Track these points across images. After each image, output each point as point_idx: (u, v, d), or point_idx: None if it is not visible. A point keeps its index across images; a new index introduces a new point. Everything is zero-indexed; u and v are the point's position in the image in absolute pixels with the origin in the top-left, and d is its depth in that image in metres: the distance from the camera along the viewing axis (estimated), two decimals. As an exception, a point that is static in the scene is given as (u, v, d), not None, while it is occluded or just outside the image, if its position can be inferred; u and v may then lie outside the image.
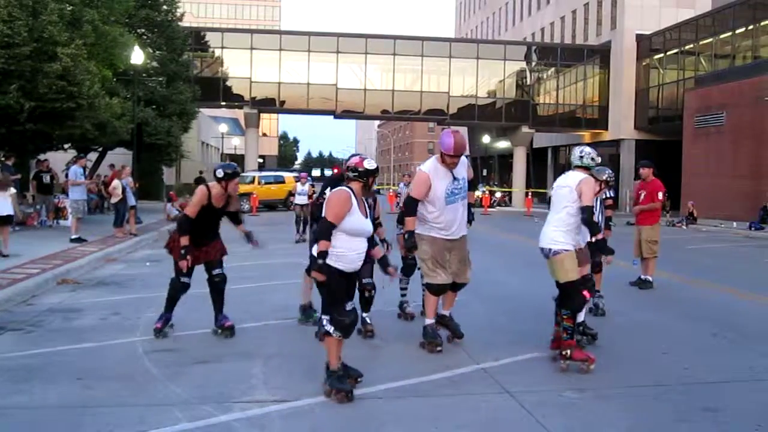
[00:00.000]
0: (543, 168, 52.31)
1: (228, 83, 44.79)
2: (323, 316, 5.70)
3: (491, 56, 46.21)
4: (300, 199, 19.65)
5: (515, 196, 46.90)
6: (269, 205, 34.10)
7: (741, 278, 12.16)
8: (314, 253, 5.64)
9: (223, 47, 44.24)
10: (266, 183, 35.27)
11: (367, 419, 5.20)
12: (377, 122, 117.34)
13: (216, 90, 43.37)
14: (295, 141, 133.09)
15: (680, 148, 33.55)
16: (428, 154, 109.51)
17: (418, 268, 7.64)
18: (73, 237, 15.71)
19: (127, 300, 9.84)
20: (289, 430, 4.99)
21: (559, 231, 6.71)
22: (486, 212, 35.00)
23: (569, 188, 6.73)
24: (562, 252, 6.64)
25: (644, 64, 43.21)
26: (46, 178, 19.78)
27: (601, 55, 46.00)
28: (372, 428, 5.05)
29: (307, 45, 44.16)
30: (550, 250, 6.69)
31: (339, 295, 5.67)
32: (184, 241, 7.23)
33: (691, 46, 39.04)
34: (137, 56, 22.78)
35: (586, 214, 6.56)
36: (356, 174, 5.86)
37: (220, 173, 7.40)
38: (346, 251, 5.69)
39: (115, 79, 24.99)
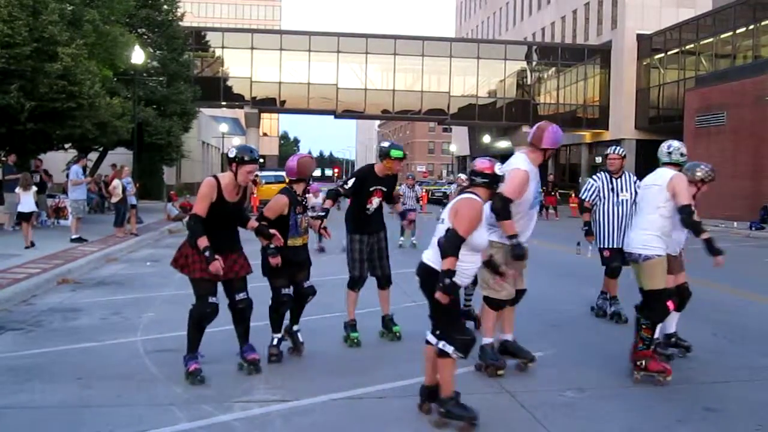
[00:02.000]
0: (544, 168, 52.07)
1: (228, 83, 44.82)
2: (440, 341, 5.01)
3: (492, 56, 46.22)
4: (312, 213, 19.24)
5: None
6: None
7: (741, 278, 12.14)
8: (439, 268, 4.92)
9: (223, 47, 44.28)
10: (267, 183, 35.25)
11: (368, 419, 5.21)
12: (378, 122, 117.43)
13: (216, 90, 43.39)
14: (296, 141, 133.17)
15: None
16: (428, 153, 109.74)
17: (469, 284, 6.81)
18: (74, 237, 15.72)
19: (128, 300, 9.84)
20: (290, 429, 4.99)
21: (652, 234, 6.18)
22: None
23: (659, 187, 6.23)
24: (655, 257, 6.14)
25: (645, 63, 43.22)
26: (35, 178, 19.81)
27: (602, 54, 46.01)
28: (373, 428, 5.05)
29: (307, 45, 44.20)
30: (640, 255, 6.19)
31: (458, 313, 5.22)
32: (203, 242, 5.72)
33: (692, 45, 39.04)
34: (138, 56, 22.81)
35: (685, 214, 6.04)
36: (485, 180, 5.16)
37: (231, 152, 6.02)
38: (469, 266, 5.15)
39: (115, 79, 25.05)
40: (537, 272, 9.28)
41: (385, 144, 7.36)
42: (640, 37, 43.13)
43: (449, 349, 4.94)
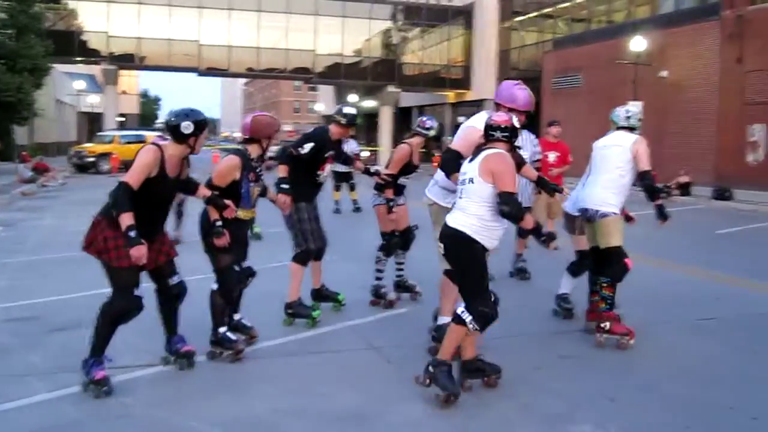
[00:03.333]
0: (409, 127, 52.94)
1: (84, 37, 42.61)
2: (462, 309, 4.77)
3: (357, 14, 46.01)
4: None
5: (382, 155, 47.32)
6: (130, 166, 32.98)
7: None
8: (469, 231, 4.73)
9: (77, -1, 42.07)
10: (127, 142, 34.03)
11: (235, 380, 5.19)
12: (243, 80, 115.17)
13: (71, 44, 41.20)
14: (156, 99, 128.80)
15: (540, 108, 34.69)
16: (294, 113, 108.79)
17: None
18: None
19: (-22, 266, 9.31)
20: (156, 394, 4.91)
21: (610, 192, 6.21)
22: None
23: (622, 148, 6.25)
24: (611, 215, 6.16)
25: (506, 26, 44.20)
26: None
27: (465, 16, 46.71)
28: (240, 388, 5.04)
29: (167, -2, 42.62)
30: (597, 212, 6.19)
31: (487, 279, 4.88)
32: (128, 219, 4.65)
33: (550, 9, 40.21)
34: (-18, 7, 21.35)
35: (647, 179, 6.09)
36: (506, 134, 4.89)
37: (187, 126, 4.99)
38: (498, 225, 4.86)
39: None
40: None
41: (352, 110, 7.00)
42: (502, 0, 44.07)
43: (467, 317, 4.73)
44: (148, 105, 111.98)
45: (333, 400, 4.81)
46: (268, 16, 44.44)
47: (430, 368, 4.81)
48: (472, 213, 4.78)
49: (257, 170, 5.82)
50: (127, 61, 44.06)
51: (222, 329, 5.66)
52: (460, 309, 4.78)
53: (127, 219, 4.64)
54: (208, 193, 5.49)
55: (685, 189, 24.25)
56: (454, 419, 4.53)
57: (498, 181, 4.67)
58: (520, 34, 43.08)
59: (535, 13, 41.77)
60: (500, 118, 4.96)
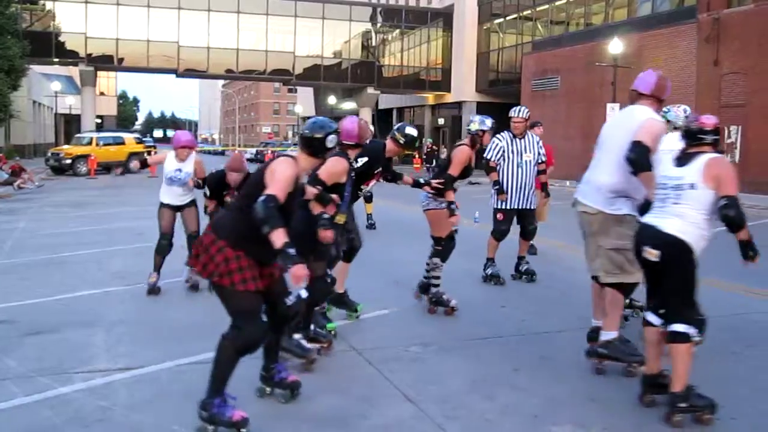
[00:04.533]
0: (389, 129, 52.88)
1: (61, 38, 42.27)
2: (680, 325, 4.47)
3: (337, 16, 46.02)
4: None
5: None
6: (108, 167, 32.71)
7: (573, 233, 12.79)
8: (687, 239, 4.51)
9: (54, -1, 41.72)
10: (105, 144, 33.79)
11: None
12: (221, 82, 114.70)
13: (48, 45, 40.86)
14: (135, 100, 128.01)
15: (518, 110, 34.72)
16: (273, 115, 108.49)
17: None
18: None
19: (-47, 270, 9.20)
20: (134, 398, 4.86)
21: None
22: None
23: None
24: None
25: (485, 28, 44.37)
26: None
27: (444, 18, 46.85)
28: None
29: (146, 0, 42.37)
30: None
31: (695, 291, 4.64)
32: (282, 235, 4.01)
33: (529, 11, 40.40)
34: (-43, 7, 21.11)
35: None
36: (716, 138, 4.73)
37: (332, 140, 4.51)
38: (708, 234, 4.65)
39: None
40: (380, 232, 9.42)
41: (413, 132, 6.85)
42: (481, 2, 44.20)
43: (692, 331, 4.45)
44: (127, 107, 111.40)
45: (314, 403, 4.78)
46: (247, 17, 44.35)
47: (681, 406, 4.49)
48: (692, 221, 4.56)
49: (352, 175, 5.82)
50: (105, 62, 43.81)
51: (297, 336, 5.45)
52: (679, 327, 4.48)
53: (282, 235, 4.00)
54: (314, 191, 5.27)
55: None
56: (435, 420, 4.52)
57: (722, 185, 4.47)
58: (499, 37, 43.27)
59: (514, 16, 41.95)
60: (710, 120, 4.75)
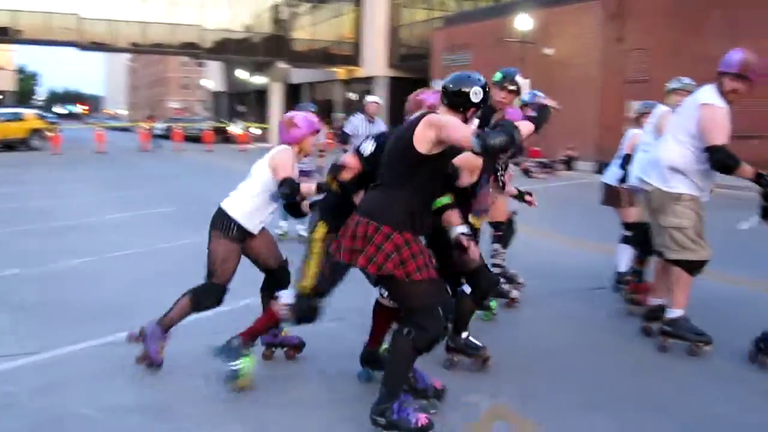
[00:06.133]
0: (298, 104, 52.45)
1: (-48, 9, 40.28)
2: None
3: (246, -11, 45.23)
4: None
5: (272, 132, 46.77)
6: (8, 145, 31.40)
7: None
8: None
9: (-57, -33, 39.59)
10: (5, 120, 32.42)
11: (131, 364, 5.00)
12: (127, 56, 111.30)
13: (-63, 17, 38.85)
14: (34, 75, 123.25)
15: (429, 86, 34.83)
16: (182, 89, 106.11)
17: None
18: None
19: None
20: (43, 382, 4.69)
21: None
22: (243, 149, 34.61)
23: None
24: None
25: (396, 2, 44.31)
26: None
27: (355, -9, 46.58)
28: (136, 372, 4.88)
29: (44, -31, 40.62)
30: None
31: None
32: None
33: (439, -14, 40.57)
34: None
35: None
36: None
37: (477, 93, 4.07)
38: None
39: None
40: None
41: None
42: (391, -24, 44.11)
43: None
44: (26, 81, 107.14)
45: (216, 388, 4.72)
46: (152, -11, 43.05)
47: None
48: None
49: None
50: (2, 34, 41.86)
51: (464, 334, 4.99)
52: None
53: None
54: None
55: (569, 164, 25.07)
56: (364, 396, 4.52)
57: None
58: (410, 11, 43.30)
59: (424, -10, 41.99)
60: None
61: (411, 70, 41.66)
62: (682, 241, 5.26)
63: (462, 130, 3.75)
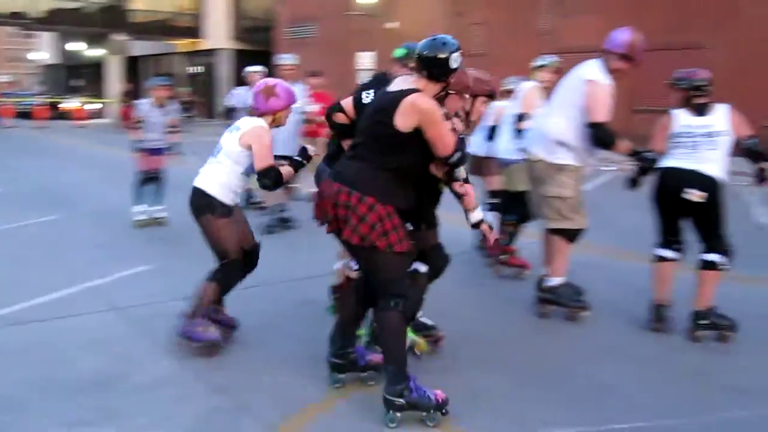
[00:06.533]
0: (138, 78, 50.65)
1: None
2: (714, 255, 5.11)
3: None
4: None
5: (109, 107, 44.86)
6: None
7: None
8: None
9: None
10: None
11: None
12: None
13: None
14: None
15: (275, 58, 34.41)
16: (9, 62, 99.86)
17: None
18: None
19: None
20: None
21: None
22: (80, 125, 33.06)
23: None
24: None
25: (238, -27, 43.40)
26: None
27: (194, -39, 45.24)
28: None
29: None
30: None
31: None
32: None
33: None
34: None
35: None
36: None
37: (456, 59, 3.94)
38: None
39: None
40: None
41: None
42: (233, -54, 43.10)
43: (723, 260, 5.10)
44: None
45: (73, 367, 4.56)
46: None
47: (703, 323, 5.15)
48: (724, 163, 5.10)
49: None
50: None
51: (420, 313, 4.82)
52: (713, 257, 5.10)
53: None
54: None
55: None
56: (199, 374, 4.48)
57: (741, 127, 5.11)
58: (253, -18, 42.53)
59: (267, -39, 41.34)
60: (706, 73, 5.20)
61: (256, 42, 41.02)
62: (564, 210, 5.42)
63: (448, 138, 3.83)
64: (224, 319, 5.06)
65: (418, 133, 3.77)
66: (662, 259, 5.36)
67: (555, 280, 5.60)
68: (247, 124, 4.72)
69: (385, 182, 3.83)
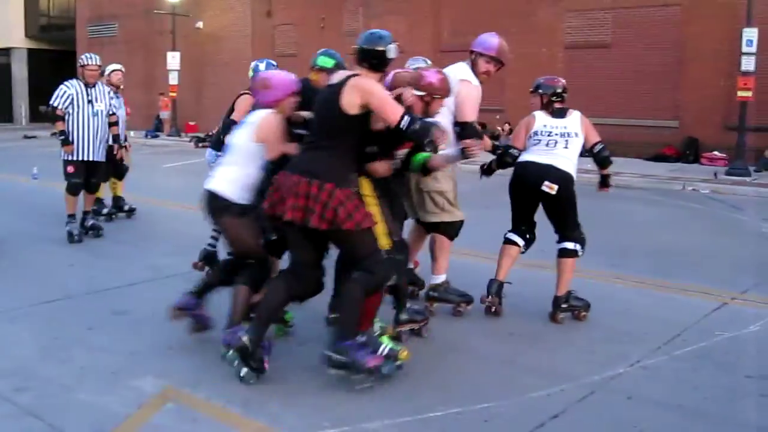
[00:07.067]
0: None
1: None
2: (570, 243, 5.65)
3: None
4: None
5: None
6: None
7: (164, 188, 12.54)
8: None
9: None
10: None
11: None
12: None
13: None
14: None
15: (76, 58, 32.83)
16: None
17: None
18: None
19: None
20: None
21: None
22: None
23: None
24: None
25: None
26: None
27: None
28: None
29: None
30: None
31: None
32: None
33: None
34: None
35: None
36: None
37: (395, 50, 4.34)
38: None
39: None
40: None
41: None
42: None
43: (578, 247, 5.64)
44: None
45: None
46: None
47: (563, 306, 5.63)
48: (575, 161, 5.67)
49: None
50: None
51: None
52: (569, 245, 5.64)
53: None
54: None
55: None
56: (3, 395, 4.22)
57: (591, 133, 5.68)
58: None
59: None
60: (562, 82, 5.81)
61: (54, 41, 38.87)
62: (442, 203, 5.58)
63: (394, 105, 4.15)
64: (201, 316, 4.97)
65: (362, 116, 4.15)
66: (511, 242, 5.84)
67: (440, 278, 5.75)
68: (257, 117, 4.66)
69: (339, 168, 4.18)
